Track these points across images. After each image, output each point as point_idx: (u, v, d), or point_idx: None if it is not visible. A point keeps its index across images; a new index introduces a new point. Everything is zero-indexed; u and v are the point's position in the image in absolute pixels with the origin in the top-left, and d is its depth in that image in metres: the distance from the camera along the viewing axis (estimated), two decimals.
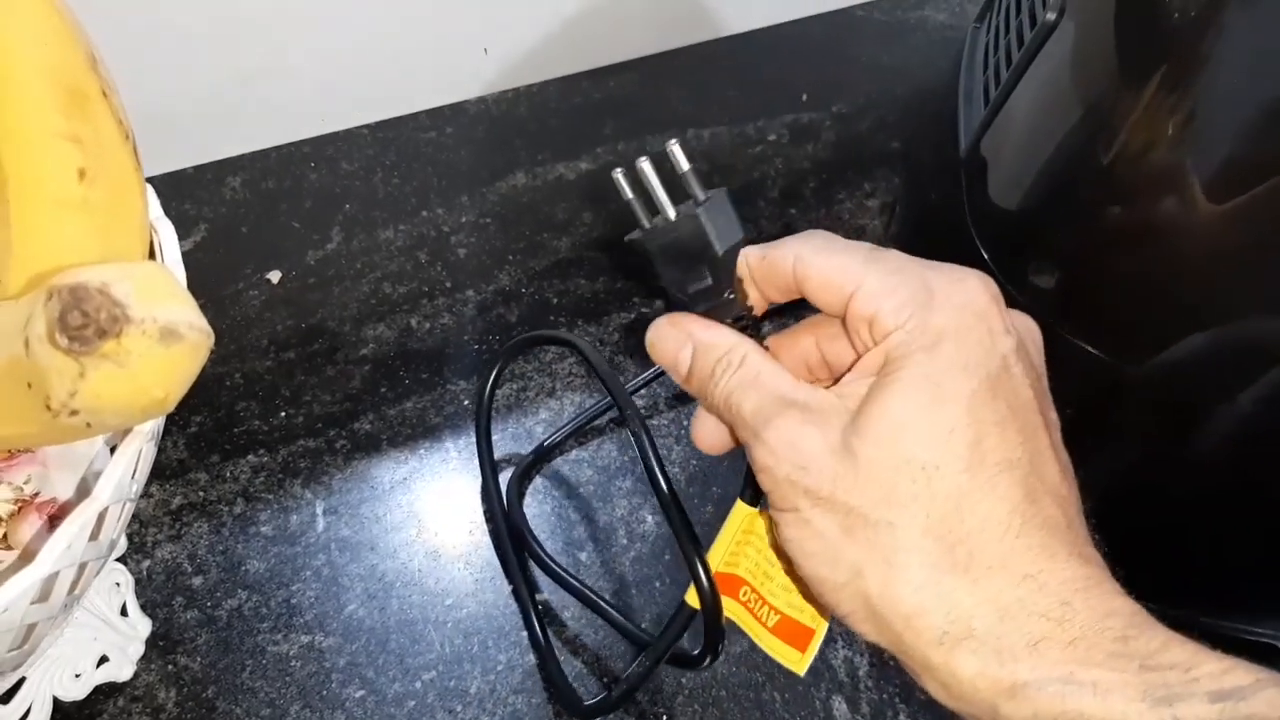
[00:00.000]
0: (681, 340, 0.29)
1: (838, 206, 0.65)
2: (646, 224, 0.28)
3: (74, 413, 0.26)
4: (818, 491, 0.25)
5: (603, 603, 0.45)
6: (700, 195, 0.27)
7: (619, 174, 0.28)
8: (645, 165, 0.27)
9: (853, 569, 0.25)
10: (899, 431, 0.24)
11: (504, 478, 0.51)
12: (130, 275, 0.25)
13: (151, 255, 0.38)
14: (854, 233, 0.63)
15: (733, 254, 0.28)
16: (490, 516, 0.50)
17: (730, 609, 0.32)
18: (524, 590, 0.47)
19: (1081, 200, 0.40)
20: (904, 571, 0.24)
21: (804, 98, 0.71)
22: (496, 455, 0.52)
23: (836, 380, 0.29)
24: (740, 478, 0.30)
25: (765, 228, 0.62)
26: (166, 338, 0.25)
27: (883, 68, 0.73)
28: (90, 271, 0.24)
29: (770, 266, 0.28)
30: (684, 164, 0.27)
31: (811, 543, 0.26)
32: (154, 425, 0.32)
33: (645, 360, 0.55)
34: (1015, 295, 0.40)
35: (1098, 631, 0.23)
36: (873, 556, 0.24)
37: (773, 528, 0.28)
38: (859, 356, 0.28)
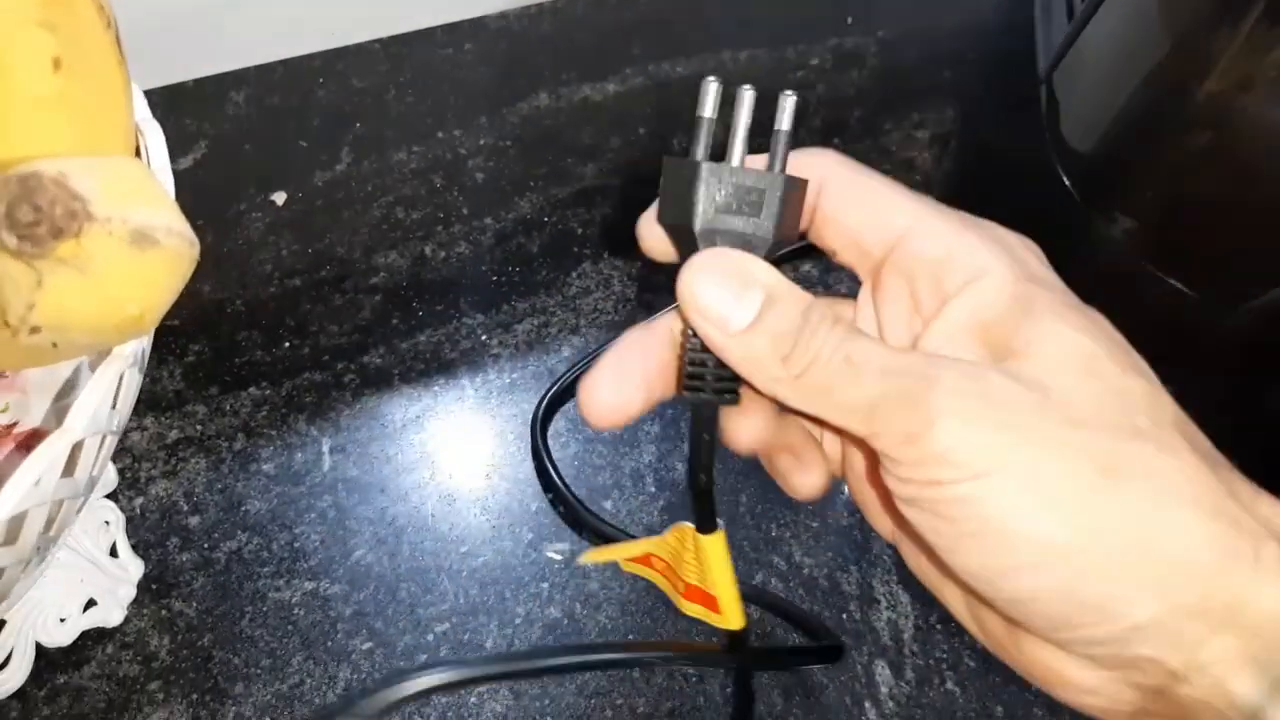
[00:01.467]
0: (744, 281, 0.20)
1: (884, 138, 0.60)
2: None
3: (35, 329, 0.22)
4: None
5: None
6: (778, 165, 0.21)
7: (712, 83, 0.21)
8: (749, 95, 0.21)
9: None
10: (1078, 410, 0.19)
11: (523, 416, 0.48)
12: (95, 168, 0.21)
13: None
14: (902, 166, 0.58)
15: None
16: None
17: (644, 572, 0.30)
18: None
19: (1176, 131, 0.36)
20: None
21: (849, 21, 0.66)
22: (517, 393, 0.49)
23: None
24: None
25: None
26: (139, 242, 0.21)
27: None
28: (47, 161, 0.20)
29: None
30: (786, 123, 0.21)
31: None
32: (135, 348, 0.28)
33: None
34: (1104, 229, 0.36)
35: None
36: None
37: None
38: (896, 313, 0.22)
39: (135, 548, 0.43)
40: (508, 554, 0.44)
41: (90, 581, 0.41)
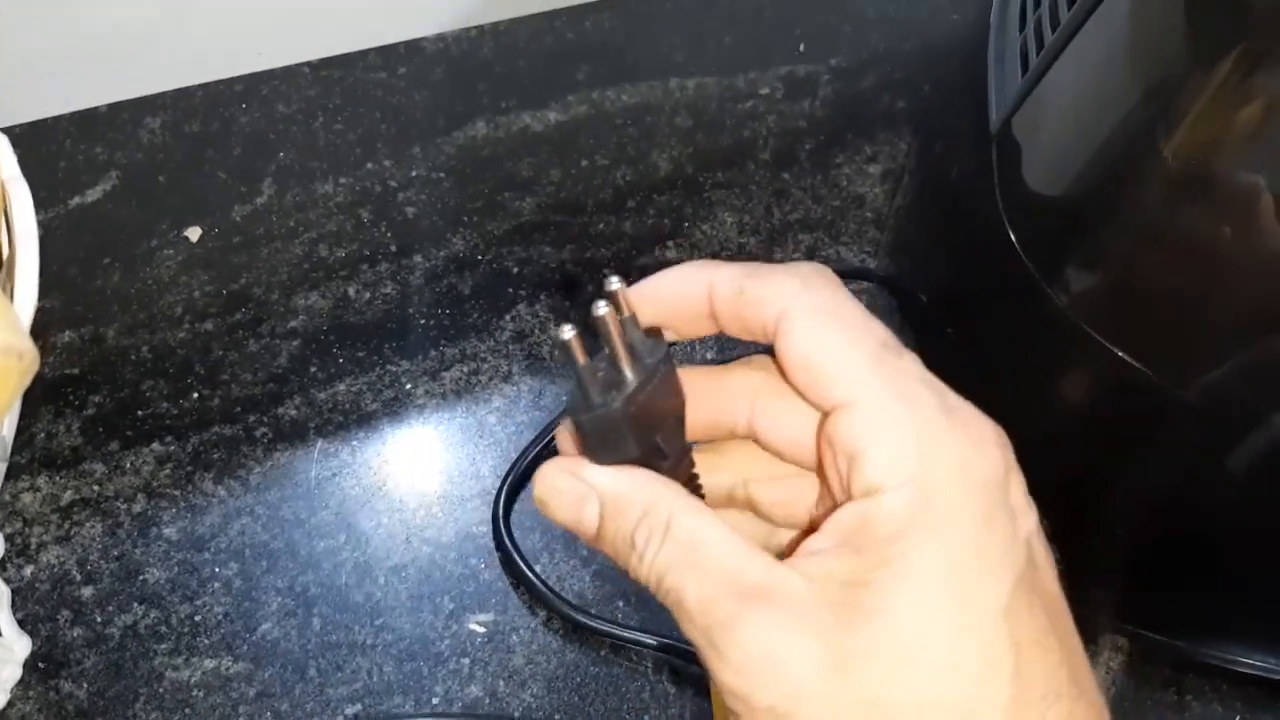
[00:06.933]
0: (582, 494, 0.22)
1: (835, 172, 0.58)
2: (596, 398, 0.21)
3: None
4: None
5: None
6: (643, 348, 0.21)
7: (570, 335, 0.20)
8: (603, 311, 0.20)
9: None
10: (918, 663, 0.19)
11: (448, 474, 0.45)
12: None
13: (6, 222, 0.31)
14: (852, 201, 0.56)
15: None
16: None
17: None
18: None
19: (1136, 193, 0.34)
20: None
21: (801, 48, 0.64)
22: (443, 448, 0.46)
23: (801, 536, 0.22)
24: None
25: (754, 194, 0.56)
26: None
27: (888, 17, 0.66)
28: None
29: (745, 308, 0.21)
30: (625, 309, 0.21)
31: None
32: None
33: None
34: (1053, 295, 0.34)
35: None
36: None
37: None
38: (825, 496, 0.22)
39: (22, 622, 0.40)
40: (426, 626, 0.41)
41: None
